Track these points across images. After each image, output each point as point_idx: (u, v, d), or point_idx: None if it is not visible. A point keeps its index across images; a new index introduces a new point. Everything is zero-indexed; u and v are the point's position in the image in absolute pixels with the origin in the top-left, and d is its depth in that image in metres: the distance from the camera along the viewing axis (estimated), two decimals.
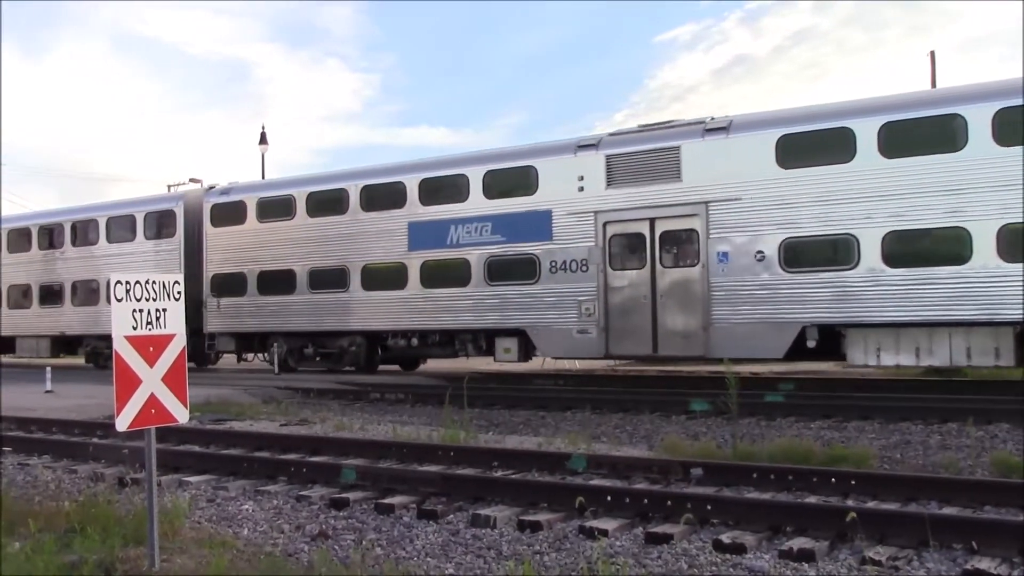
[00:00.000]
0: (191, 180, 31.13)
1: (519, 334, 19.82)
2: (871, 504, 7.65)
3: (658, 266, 18.21)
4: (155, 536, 5.95)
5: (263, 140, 36.08)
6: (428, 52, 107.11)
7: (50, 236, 29.48)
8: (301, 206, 23.32)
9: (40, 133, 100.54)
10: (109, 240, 27.56)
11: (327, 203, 22.92)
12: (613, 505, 7.59)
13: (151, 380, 5.78)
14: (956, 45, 75.99)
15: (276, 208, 23.80)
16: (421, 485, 8.65)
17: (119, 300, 5.60)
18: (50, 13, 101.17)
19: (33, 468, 10.47)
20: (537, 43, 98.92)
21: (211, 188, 25.84)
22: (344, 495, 8.51)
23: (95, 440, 12.29)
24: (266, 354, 24.35)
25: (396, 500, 8.22)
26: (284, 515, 8.01)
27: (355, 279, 22.19)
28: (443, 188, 21.10)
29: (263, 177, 33.57)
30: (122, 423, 5.64)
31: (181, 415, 5.99)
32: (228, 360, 27.93)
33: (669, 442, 11.20)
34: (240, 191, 24.81)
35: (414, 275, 21.21)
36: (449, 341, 21.23)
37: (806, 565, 6.11)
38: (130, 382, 5.65)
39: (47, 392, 19.02)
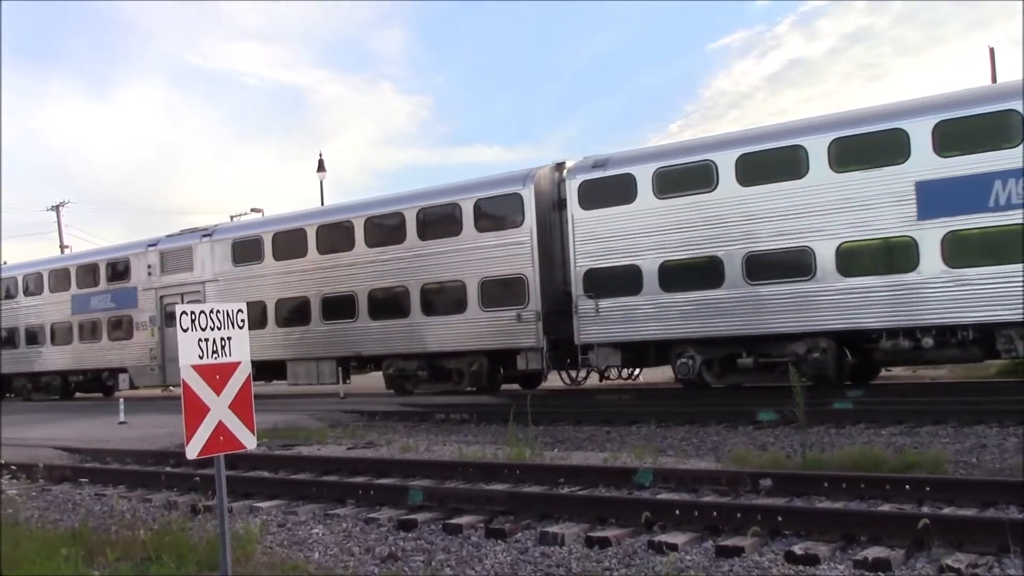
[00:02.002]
0: (252, 210, 31.13)
1: None
2: (947, 510, 7.48)
3: None
4: (228, 562, 6.03)
5: (321, 167, 36.58)
6: (479, 71, 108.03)
7: (332, 237, 24.56)
8: (726, 173, 18.27)
9: (104, 170, 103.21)
10: (422, 237, 22.63)
11: (767, 167, 17.97)
12: (682, 519, 7.52)
13: (219, 408, 5.87)
14: (1015, 40, 74.16)
15: (685, 179, 18.89)
16: (488, 504, 8.65)
17: (184, 330, 5.71)
18: (110, 53, 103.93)
19: (109, 498, 10.69)
20: (588, 56, 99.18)
21: (560, 164, 21.57)
22: (412, 516, 8.54)
23: (168, 469, 12.51)
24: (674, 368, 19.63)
25: (464, 520, 8.23)
26: (354, 538, 8.07)
27: (824, 262, 17.18)
28: (977, 132, 15.93)
29: (322, 203, 33.57)
30: (192, 451, 5.73)
31: (249, 441, 6.08)
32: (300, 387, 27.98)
33: (737, 453, 11.07)
34: (624, 162, 19.86)
35: (930, 251, 16.11)
36: (984, 339, 16.20)
37: (882, 575, 5.99)
38: (198, 410, 5.75)
39: (120, 423, 19.41)
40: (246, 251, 26.26)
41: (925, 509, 7.53)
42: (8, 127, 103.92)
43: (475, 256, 21.62)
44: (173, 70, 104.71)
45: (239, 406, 5.99)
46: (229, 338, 5.95)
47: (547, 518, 8.12)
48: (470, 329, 21.68)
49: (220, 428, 5.87)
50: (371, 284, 23.47)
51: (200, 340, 5.79)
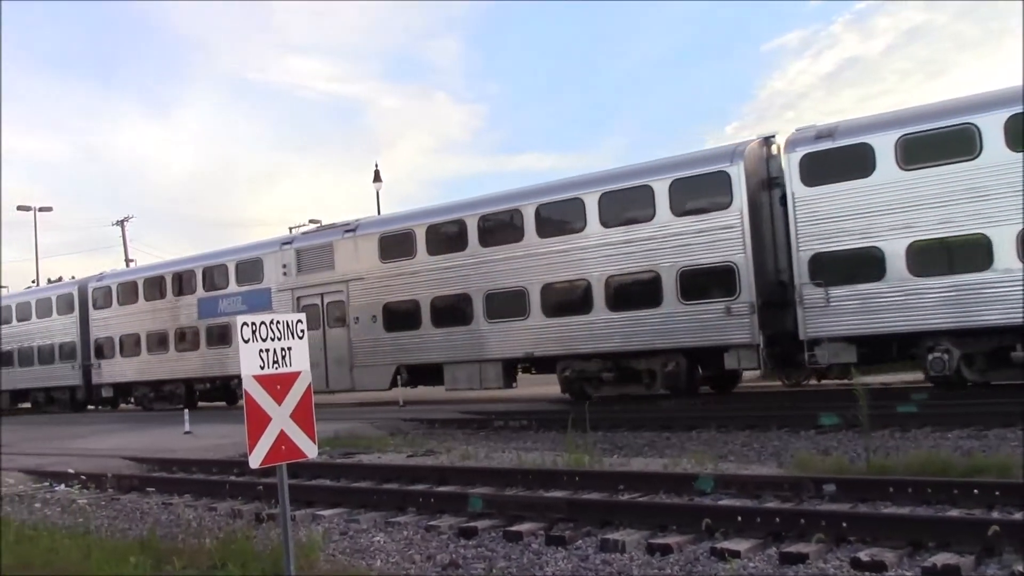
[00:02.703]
0: (310, 221, 31.01)
1: None
2: (1018, 516, 7.29)
3: None
4: (291, 570, 6.10)
5: (377, 178, 36.93)
6: (532, 79, 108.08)
7: (497, 228, 22.30)
8: (992, 138, 15.81)
9: (163, 185, 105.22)
10: (606, 224, 20.21)
11: None
12: (744, 525, 7.44)
13: (280, 417, 5.95)
14: None
15: (938, 146, 16.52)
16: (548, 511, 8.64)
17: (246, 341, 5.80)
18: (168, 69, 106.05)
19: (176, 507, 10.88)
20: (641, 60, 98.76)
21: (768, 137, 19.49)
22: (472, 524, 8.56)
23: (232, 478, 12.71)
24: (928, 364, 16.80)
25: (524, 527, 8.24)
26: (415, 546, 8.11)
27: None
28: None
29: (379, 213, 33.51)
30: (255, 460, 5.82)
31: (310, 450, 6.15)
32: (362, 396, 28.18)
33: (799, 458, 10.92)
34: (857, 131, 17.57)
35: None
36: None
37: None
38: (260, 420, 5.84)
39: (186, 433, 19.75)
40: (395, 246, 24.17)
41: (995, 515, 7.37)
42: (70, 144, 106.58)
43: (672, 243, 19.34)
44: (230, 85, 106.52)
45: (300, 415, 6.06)
46: (290, 348, 6.03)
47: (607, 525, 8.09)
48: (666, 325, 19.40)
49: (282, 437, 5.95)
50: (544, 278, 21.22)
51: (261, 351, 5.87)
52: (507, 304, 21.91)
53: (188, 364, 29.95)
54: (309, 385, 6.14)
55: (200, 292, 29.38)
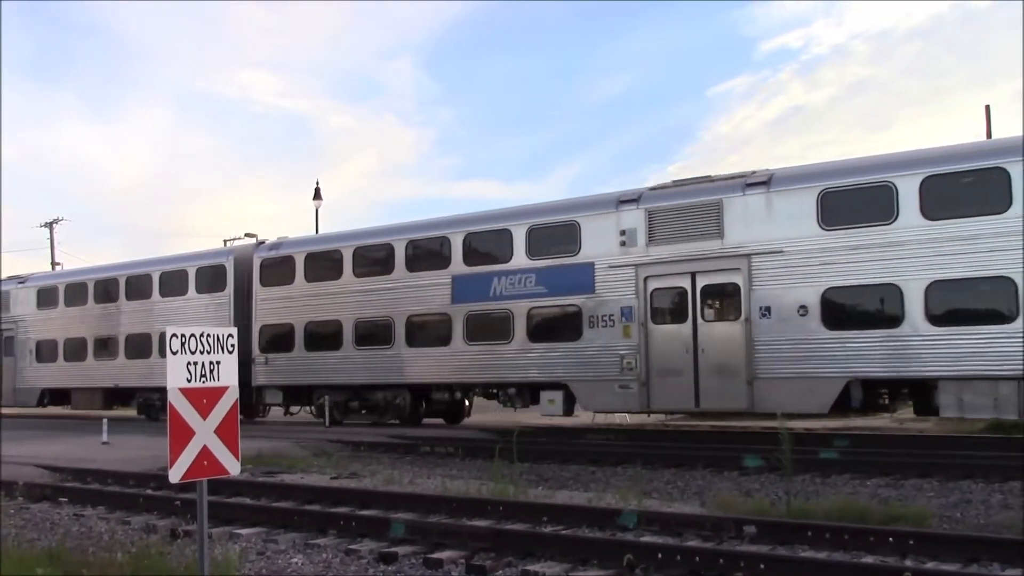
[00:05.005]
0: (246, 235, 30.11)
1: None
2: (930, 565, 7.45)
3: None
4: None
5: (317, 195, 36.66)
6: (484, 107, 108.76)
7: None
8: None
9: (104, 191, 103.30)
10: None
11: None
12: (664, 562, 7.49)
13: (204, 432, 5.86)
14: (1016, 95, 74.90)
15: None
16: (470, 540, 8.60)
17: (174, 353, 5.70)
18: (117, 75, 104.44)
19: (88, 519, 10.60)
20: (590, 97, 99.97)
21: None
22: (393, 549, 8.49)
23: (148, 491, 12.43)
24: None
25: (445, 555, 8.18)
26: (333, 569, 8.01)
27: None
28: None
29: (316, 231, 33.21)
30: (175, 475, 5.71)
31: (233, 467, 6.05)
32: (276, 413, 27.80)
33: (722, 499, 11.03)
34: None
35: None
36: None
37: None
38: (184, 434, 5.74)
39: (104, 443, 19.28)
40: (850, 207, 16.61)
41: (908, 563, 7.51)
42: (10, 144, 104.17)
43: None
44: (179, 93, 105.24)
45: (225, 431, 5.98)
46: (218, 363, 5.95)
47: (529, 556, 8.08)
48: None
49: (204, 453, 5.85)
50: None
51: (189, 363, 5.78)
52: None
53: (430, 364, 22.05)
54: (236, 401, 6.05)
55: (457, 266, 21.63)
